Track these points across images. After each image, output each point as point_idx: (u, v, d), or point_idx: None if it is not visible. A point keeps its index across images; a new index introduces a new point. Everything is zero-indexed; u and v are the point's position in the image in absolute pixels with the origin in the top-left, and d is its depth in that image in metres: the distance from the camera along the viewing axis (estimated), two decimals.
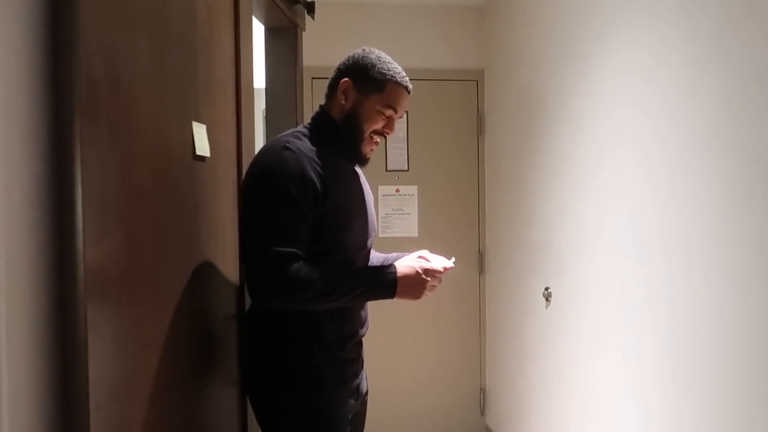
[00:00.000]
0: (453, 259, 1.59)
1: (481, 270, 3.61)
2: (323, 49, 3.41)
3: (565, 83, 2.46)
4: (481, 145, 3.62)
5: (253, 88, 1.88)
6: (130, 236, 1.16)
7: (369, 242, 1.61)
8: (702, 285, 1.63)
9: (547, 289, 2.60)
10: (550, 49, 2.63)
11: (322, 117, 1.55)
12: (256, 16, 2.52)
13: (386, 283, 1.45)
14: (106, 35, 1.09)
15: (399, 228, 3.53)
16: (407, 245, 3.61)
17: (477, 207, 3.63)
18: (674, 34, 1.72)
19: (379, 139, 1.54)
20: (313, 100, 3.51)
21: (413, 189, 3.58)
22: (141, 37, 1.21)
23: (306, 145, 1.46)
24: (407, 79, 1.53)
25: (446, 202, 3.60)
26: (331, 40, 3.46)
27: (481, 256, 3.61)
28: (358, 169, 1.66)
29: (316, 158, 1.44)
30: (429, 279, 1.47)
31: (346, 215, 1.49)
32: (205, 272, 1.50)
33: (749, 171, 1.45)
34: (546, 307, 2.63)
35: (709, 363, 1.61)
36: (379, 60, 1.51)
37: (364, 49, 1.54)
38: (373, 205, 1.67)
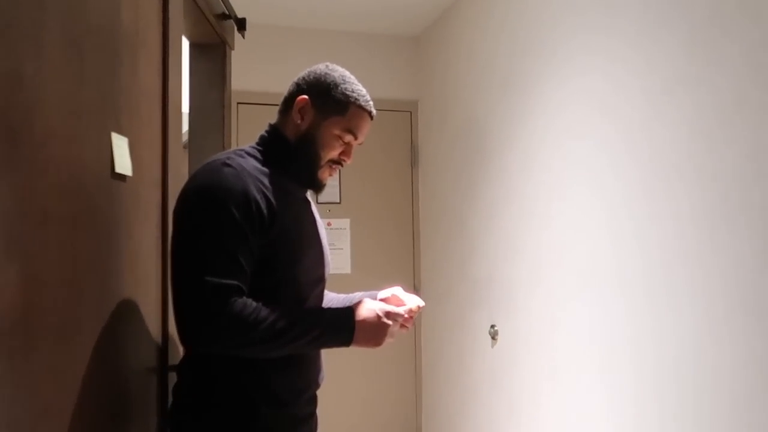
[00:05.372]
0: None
1: None
2: (252, 72, 3.21)
3: (510, 113, 2.39)
4: (415, 176, 3.52)
5: (181, 103, 1.65)
6: (28, 271, 0.90)
7: (323, 278, 1.41)
8: (669, 326, 1.55)
9: (493, 326, 2.48)
10: (491, 79, 2.58)
11: (272, 135, 1.36)
12: None
13: (343, 328, 1.25)
14: (5, 17, 0.85)
15: (331, 263, 3.31)
16: (340, 282, 3.41)
17: (412, 240, 3.50)
18: (637, 58, 1.68)
19: (336, 167, 1.38)
20: (238, 126, 3.28)
21: (346, 222, 3.40)
22: (51, 25, 0.98)
23: (250, 164, 1.27)
24: (371, 103, 1.38)
25: (380, 236, 3.44)
26: (260, 63, 3.27)
27: (416, 291, 3.47)
28: (309, 198, 1.48)
29: (261, 178, 1.25)
30: (390, 323, 1.27)
31: (297, 245, 1.30)
32: (122, 315, 1.24)
33: (727, 201, 1.39)
34: (492, 346, 2.51)
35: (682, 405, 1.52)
36: (344, 80, 1.35)
37: (327, 66, 1.38)
38: (326, 237, 1.47)
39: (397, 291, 1.44)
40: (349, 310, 1.27)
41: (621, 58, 1.74)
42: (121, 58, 1.25)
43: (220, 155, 1.29)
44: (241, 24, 2.46)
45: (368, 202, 3.44)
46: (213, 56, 2.49)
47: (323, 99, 1.33)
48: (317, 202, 3.29)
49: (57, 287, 0.98)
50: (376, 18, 3.25)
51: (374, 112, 1.39)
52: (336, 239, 3.37)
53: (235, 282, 1.16)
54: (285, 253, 1.26)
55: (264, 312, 1.17)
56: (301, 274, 1.31)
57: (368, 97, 1.37)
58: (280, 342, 1.18)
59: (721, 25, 1.41)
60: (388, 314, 1.28)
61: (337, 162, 1.37)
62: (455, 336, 2.93)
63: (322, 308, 1.38)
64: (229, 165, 1.22)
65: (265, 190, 1.23)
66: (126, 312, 1.26)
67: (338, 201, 3.40)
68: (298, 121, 1.33)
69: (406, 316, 1.33)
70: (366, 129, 1.38)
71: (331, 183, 3.39)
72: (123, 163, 1.25)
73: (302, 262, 1.31)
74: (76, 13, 1.07)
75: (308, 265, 1.33)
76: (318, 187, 1.39)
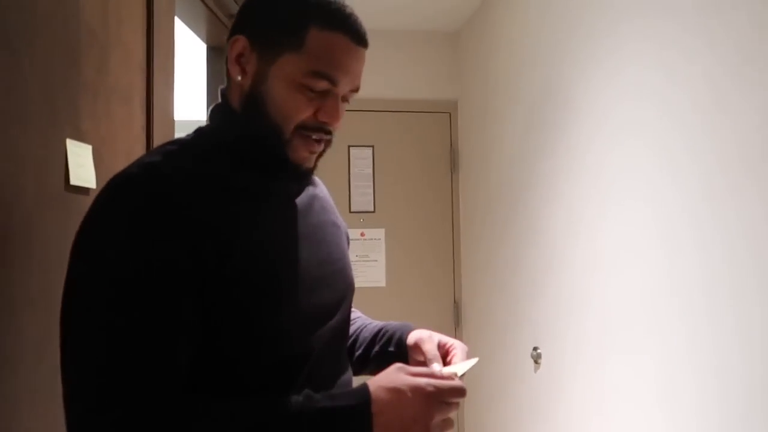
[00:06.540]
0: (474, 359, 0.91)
1: (458, 323, 3.22)
2: None
3: (557, 111, 2.13)
4: (455, 182, 3.28)
5: (172, 106, 1.50)
6: None
7: (337, 317, 0.90)
8: (739, 353, 1.27)
9: (535, 349, 2.21)
10: (533, 74, 2.32)
11: (219, 109, 0.88)
12: (195, 32, 2.17)
13: (351, 428, 0.72)
14: None
15: (364, 276, 3.12)
16: (374, 296, 3.23)
17: (452, 252, 3.26)
18: (696, 41, 1.41)
19: (317, 137, 0.84)
20: None
21: (380, 233, 3.20)
22: None
23: (183, 161, 0.79)
24: (354, 17, 0.83)
25: (417, 247, 3.22)
26: None
27: (456, 307, 3.23)
28: (319, 189, 0.98)
29: (201, 182, 0.78)
30: (435, 407, 0.74)
31: (281, 275, 0.81)
32: None
33: None
34: (535, 371, 2.24)
35: None
36: None
37: None
38: (344, 244, 0.99)
39: (422, 337, 0.95)
40: (363, 393, 0.74)
41: (678, 41, 1.47)
42: (79, 52, 1.09)
43: (136, 160, 0.80)
44: None
45: (404, 211, 3.23)
46: None
47: (265, 30, 0.82)
48: (350, 211, 3.16)
49: None
50: (411, 13, 3.05)
51: (362, 31, 0.84)
52: (370, 251, 3.17)
53: (148, 378, 0.69)
54: (258, 294, 0.78)
55: (200, 423, 0.69)
56: (293, 320, 0.81)
57: (347, 9, 0.82)
58: None
59: None
60: (426, 394, 0.73)
61: (315, 128, 0.83)
62: (496, 358, 2.67)
63: (312, 398, 0.74)
64: (132, 181, 0.75)
65: (208, 203, 0.76)
66: None
67: (372, 210, 3.21)
68: (238, 77, 0.83)
69: (459, 385, 0.76)
70: (352, 63, 0.83)
71: (364, 190, 3.20)
72: (82, 174, 1.09)
73: (296, 300, 0.82)
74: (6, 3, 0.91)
75: (308, 300, 0.84)
76: (295, 173, 0.87)
